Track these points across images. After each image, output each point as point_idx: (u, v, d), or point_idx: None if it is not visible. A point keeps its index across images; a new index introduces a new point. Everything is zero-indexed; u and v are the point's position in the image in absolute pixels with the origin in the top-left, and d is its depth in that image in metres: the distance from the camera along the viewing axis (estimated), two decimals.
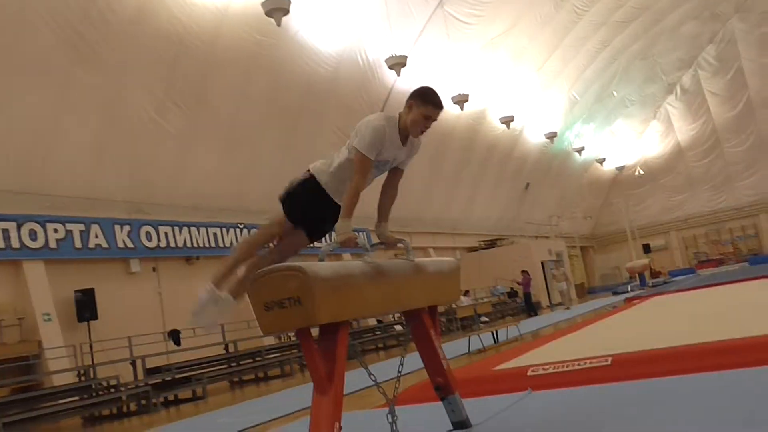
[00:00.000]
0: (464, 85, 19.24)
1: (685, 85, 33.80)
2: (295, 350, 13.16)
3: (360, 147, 3.26)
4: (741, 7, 30.49)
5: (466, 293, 21.15)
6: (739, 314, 8.13)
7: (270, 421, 6.57)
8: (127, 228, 13.08)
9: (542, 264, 26.27)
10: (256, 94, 15.05)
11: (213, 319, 3.50)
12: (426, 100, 3.38)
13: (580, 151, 29.67)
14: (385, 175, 3.58)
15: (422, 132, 3.42)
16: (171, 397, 11.00)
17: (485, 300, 22.34)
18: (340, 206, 3.32)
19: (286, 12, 12.49)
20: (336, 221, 3.28)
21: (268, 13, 12.42)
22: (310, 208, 3.48)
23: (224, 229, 15.22)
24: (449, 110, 20.40)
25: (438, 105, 3.39)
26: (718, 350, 5.04)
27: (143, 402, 10.16)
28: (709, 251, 34.76)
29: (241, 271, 3.63)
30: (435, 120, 3.41)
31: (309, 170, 3.51)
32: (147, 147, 13.51)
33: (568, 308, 20.92)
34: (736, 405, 3.59)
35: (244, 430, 6.37)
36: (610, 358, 5.25)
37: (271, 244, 3.72)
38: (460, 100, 18.80)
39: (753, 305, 9.14)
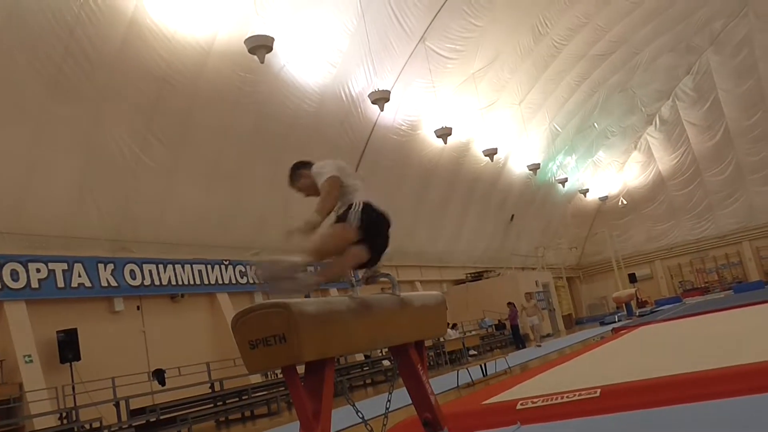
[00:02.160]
0: (447, 119, 19.43)
1: (664, 116, 34.36)
2: (282, 388, 12.99)
3: None
4: (715, 40, 31.22)
5: (454, 326, 21.05)
6: (727, 343, 8.14)
7: None
8: (110, 266, 12.94)
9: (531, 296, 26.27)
10: (239, 130, 15.11)
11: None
12: None
13: (563, 182, 29.92)
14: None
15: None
16: None
17: (473, 333, 22.23)
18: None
19: (270, 49, 12.60)
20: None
21: (252, 51, 12.52)
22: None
23: (209, 266, 15.11)
24: (433, 143, 20.59)
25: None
26: (707, 379, 5.03)
27: None
28: (694, 280, 34.97)
29: None
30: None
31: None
32: (130, 183, 13.46)
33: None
34: None
35: None
36: (599, 390, 5.22)
37: None
38: (444, 134, 18.95)
39: (740, 333, 9.16)
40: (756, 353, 5.69)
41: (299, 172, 3.78)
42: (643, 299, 31.59)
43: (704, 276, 34.76)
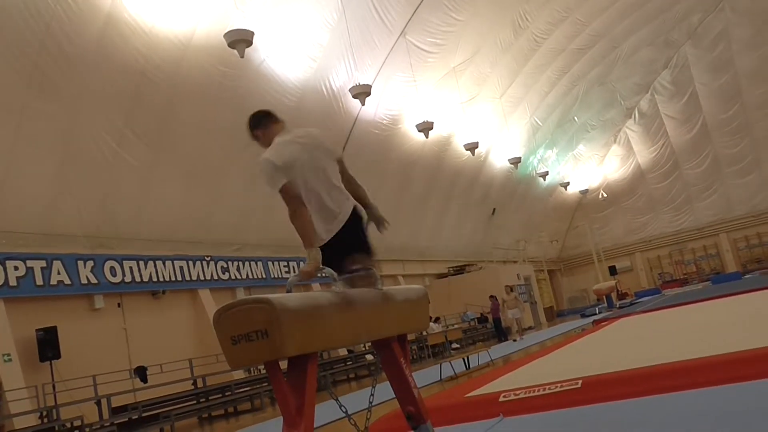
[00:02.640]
0: (429, 113, 19.45)
1: (643, 109, 34.69)
2: (265, 383, 12.96)
3: None
4: (693, 34, 31.56)
5: (437, 320, 21.13)
6: (706, 333, 8.26)
7: None
8: (90, 263, 12.81)
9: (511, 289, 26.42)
10: (220, 126, 14.99)
11: None
12: None
13: (544, 175, 30.09)
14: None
15: None
16: None
17: (456, 326, 22.33)
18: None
19: (250, 43, 12.52)
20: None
21: (231, 45, 12.43)
22: None
23: (191, 262, 15.01)
24: (415, 137, 20.61)
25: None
26: (687, 369, 5.10)
27: None
28: (673, 271, 35.39)
29: None
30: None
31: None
32: (109, 180, 13.32)
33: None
34: (708, 424, 3.63)
35: None
36: (580, 381, 5.28)
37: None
38: (425, 128, 18.96)
39: (718, 324, 9.30)
40: (733, 343, 5.78)
41: (254, 132, 3.70)
42: (623, 291, 31.93)
43: (683, 268, 35.19)
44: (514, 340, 18.10)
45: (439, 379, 10.48)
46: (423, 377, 10.39)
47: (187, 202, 14.95)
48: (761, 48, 30.41)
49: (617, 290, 29.38)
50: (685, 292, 25.83)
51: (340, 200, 3.47)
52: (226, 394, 12.74)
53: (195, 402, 12.38)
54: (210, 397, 12.63)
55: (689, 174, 34.30)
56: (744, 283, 21.80)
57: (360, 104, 16.69)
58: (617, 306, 25.26)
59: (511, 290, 20.66)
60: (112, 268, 13.20)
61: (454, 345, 19.85)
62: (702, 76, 32.37)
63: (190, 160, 14.72)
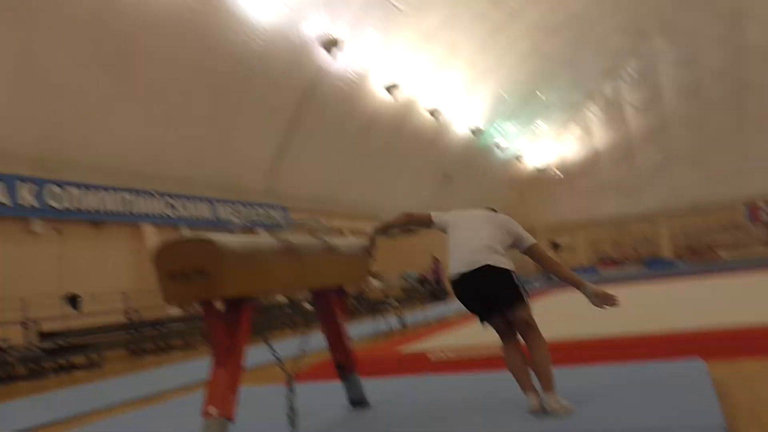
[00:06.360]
0: (396, 74, 19.33)
1: (606, 94, 35.21)
2: (199, 322, 12.97)
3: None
4: (664, 26, 31.92)
5: (378, 276, 21.36)
6: (633, 312, 8.60)
7: (166, 391, 6.47)
8: (32, 186, 12.44)
9: None
10: (184, 61, 14.61)
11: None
12: None
13: (502, 147, 30.39)
14: None
15: None
16: (64, 363, 10.65)
17: (396, 285, 22.63)
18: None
19: None
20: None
21: None
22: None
23: (136, 194, 14.74)
24: (379, 96, 20.51)
25: None
26: (606, 345, 5.35)
27: (34, 366, 9.79)
28: (612, 252, 36.67)
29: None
30: None
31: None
32: (63, 103, 12.86)
33: None
34: (616, 396, 3.83)
35: (138, 399, 6.25)
36: None
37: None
38: (390, 87, 18.88)
39: (646, 305, 9.69)
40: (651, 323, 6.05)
41: None
42: None
43: (622, 250, 36.51)
44: None
45: (375, 333, 10.68)
46: (359, 331, 10.57)
47: (141, 135, 14.60)
48: (728, 45, 31.00)
49: None
50: (621, 272, 26.80)
51: None
52: (159, 328, 12.69)
53: (126, 334, 12.31)
54: (142, 330, 12.56)
55: (642, 161, 35.23)
56: (676, 268, 22.77)
57: (328, 56, 16.46)
58: (550, 279, 25.93)
59: None
60: (54, 193, 12.85)
61: (393, 302, 20.11)
62: (667, 69, 32.94)
63: (149, 93, 14.32)
